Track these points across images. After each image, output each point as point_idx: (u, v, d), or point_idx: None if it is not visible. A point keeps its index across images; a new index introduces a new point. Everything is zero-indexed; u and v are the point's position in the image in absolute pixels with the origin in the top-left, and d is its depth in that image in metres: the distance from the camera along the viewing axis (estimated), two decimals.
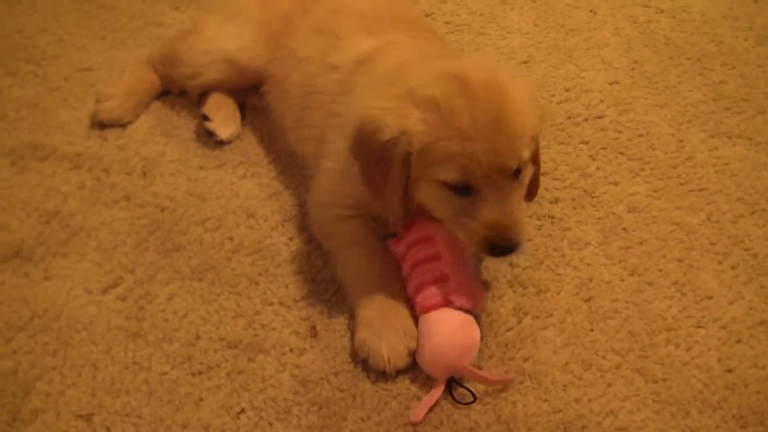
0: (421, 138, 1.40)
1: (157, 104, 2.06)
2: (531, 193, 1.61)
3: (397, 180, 1.45)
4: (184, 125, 2.01)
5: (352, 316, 1.58)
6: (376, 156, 1.44)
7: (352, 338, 1.55)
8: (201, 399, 1.48)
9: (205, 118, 1.97)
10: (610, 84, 2.17)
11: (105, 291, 1.65)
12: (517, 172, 1.45)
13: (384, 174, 1.46)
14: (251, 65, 1.97)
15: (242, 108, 2.06)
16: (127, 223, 1.77)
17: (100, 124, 2.00)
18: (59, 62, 2.18)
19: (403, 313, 1.52)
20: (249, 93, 2.05)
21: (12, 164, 1.90)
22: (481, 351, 1.54)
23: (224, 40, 1.97)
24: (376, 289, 1.54)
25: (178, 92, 2.09)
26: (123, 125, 2.01)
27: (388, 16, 1.87)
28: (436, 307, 1.50)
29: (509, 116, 1.41)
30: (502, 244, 1.43)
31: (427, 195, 1.48)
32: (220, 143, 1.96)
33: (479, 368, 1.50)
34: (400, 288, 1.57)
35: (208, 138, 1.96)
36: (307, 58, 1.83)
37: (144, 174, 1.88)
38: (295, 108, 1.80)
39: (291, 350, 1.55)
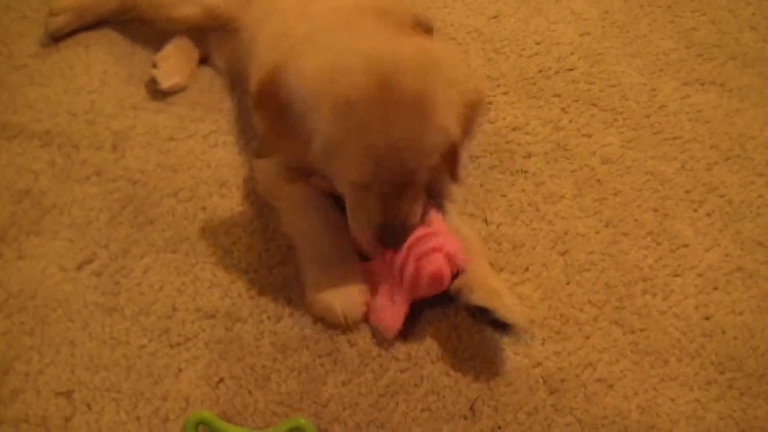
0: (327, 133, 1.39)
1: (124, 76, 2.03)
2: (453, 175, 1.58)
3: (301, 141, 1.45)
4: (153, 97, 1.99)
5: None
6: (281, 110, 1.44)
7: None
8: (180, 370, 1.48)
9: (154, 65, 1.99)
10: (580, 36, 2.15)
11: (79, 268, 1.64)
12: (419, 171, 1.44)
13: (286, 131, 1.46)
14: (226, 14, 1.95)
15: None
16: (99, 199, 1.75)
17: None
18: (24, 40, 2.15)
19: (352, 267, 1.54)
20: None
21: None
22: (457, 309, 1.55)
23: None
24: (323, 247, 1.55)
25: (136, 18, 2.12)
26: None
27: None
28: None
29: (425, 126, 1.38)
30: (386, 241, 1.47)
31: (338, 186, 1.51)
32: (164, 93, 1.97)
33: None
34: (347, 244, 1.56)
35: (152, 86, 1.99)
36: (287, 9, 1.76)
37: (114, 148, 1.85)
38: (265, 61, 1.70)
39: (268, 318, 1.55)
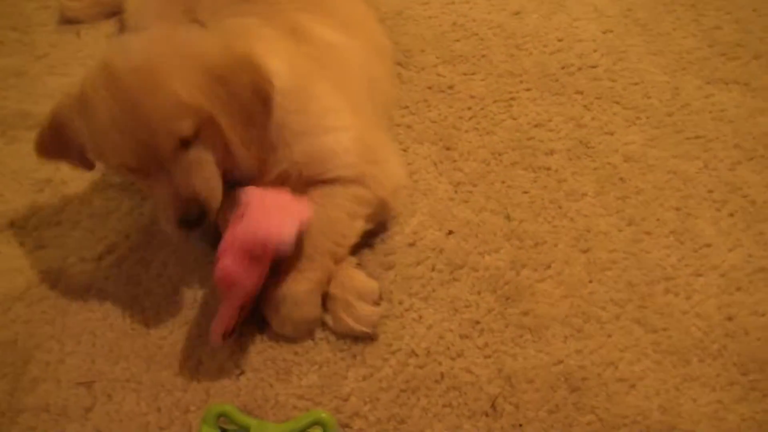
0: (85, 137, 1.44)
1: None
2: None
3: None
4: None
5: None
6: None
7: None
8: (200, 362, 1.48)
9: None
10: (603, 33, 2.14)
11: (100, 258, 1.64)
12: (187, 143, 1.41)
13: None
14: None
15: None
16: (119, 189, 1.75)
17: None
18: (45, 29, 2.15)
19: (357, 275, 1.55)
20: None
21: (2, 134, 1.88)
22: (478, 305, 1.54)
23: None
24: None
25: None
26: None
27: None
28: None
29: (148, 102, 1.37)
30: (184, 223, 1.42)
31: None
32: None
33: None
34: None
35: None
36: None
37: None
38: None
39: None
